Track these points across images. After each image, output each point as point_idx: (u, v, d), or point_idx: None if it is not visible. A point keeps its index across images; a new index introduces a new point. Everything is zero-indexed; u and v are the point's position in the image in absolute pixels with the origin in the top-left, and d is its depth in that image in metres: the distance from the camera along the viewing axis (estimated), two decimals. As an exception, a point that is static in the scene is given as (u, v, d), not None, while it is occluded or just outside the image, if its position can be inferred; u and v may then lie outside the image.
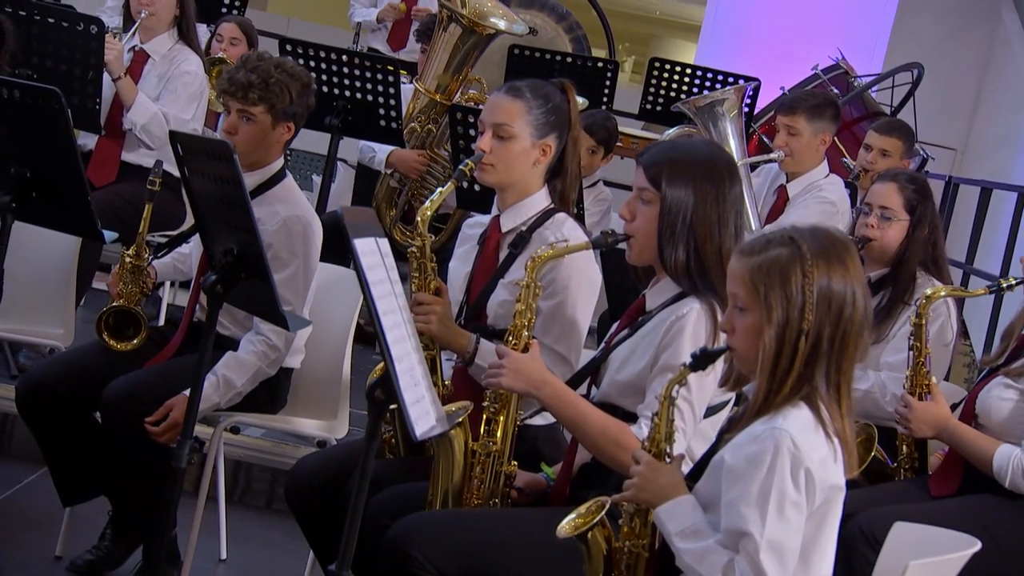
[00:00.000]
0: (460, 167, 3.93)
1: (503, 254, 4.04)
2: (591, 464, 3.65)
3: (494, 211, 4.11)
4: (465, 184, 4.53)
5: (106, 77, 5.90)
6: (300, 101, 4.49)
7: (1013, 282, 4.42)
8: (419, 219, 3.88)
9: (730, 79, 7.57)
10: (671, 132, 6.31)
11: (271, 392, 4.54)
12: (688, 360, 3.02)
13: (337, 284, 4.74)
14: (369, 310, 2.83)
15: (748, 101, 7.73)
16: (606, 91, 7.96)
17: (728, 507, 2.88)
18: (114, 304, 4.49)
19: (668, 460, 3.04)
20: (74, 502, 4.61)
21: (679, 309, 3.49)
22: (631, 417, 3.52)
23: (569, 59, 8.01)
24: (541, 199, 4.06)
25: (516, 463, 3.69)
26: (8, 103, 4.09)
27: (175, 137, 3.71)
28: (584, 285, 3.96)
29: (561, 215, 4.05)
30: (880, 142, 6.46)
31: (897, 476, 4.51)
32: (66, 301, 5.04)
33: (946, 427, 4.25)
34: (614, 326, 3.76)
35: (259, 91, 4.38)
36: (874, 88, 8.28)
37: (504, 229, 4.06)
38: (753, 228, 6.02)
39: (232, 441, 5.37)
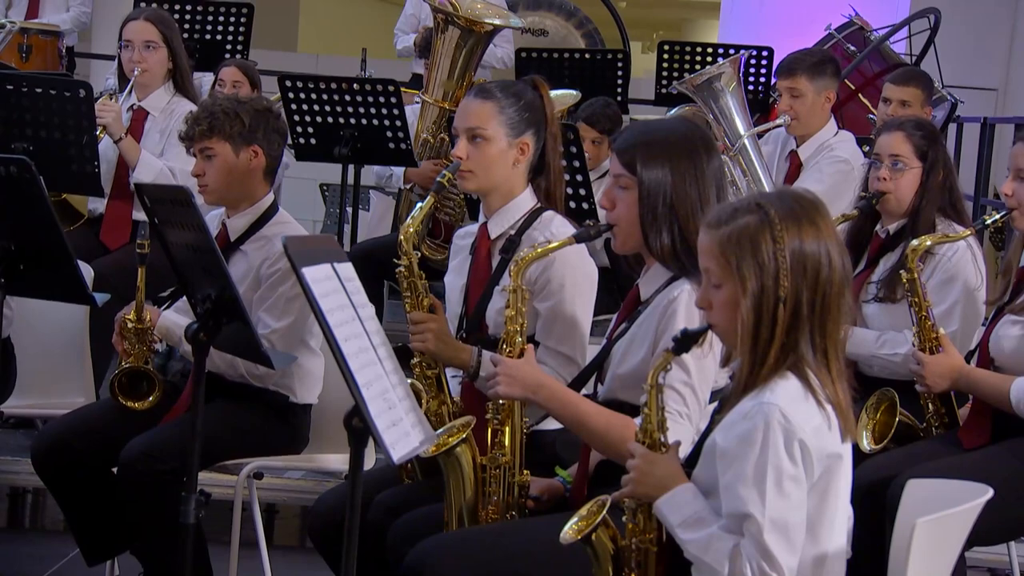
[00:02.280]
0: (437, 179, 3.84)
1: (495, 261, 3.95)
2: (608, 461, 3.52)
3: (481, 218, 4.01)
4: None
5: (109, 139, 5.88)
6: (258, 124, 4.40)
7: (996, 216, 4.26)
8: (402, 238, 3.80)
9: (742, 52, 7.40)
10: (673, 113, 6.17)
11: (292, 432, 4.47)
12: (670, 345, 2.90)
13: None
14: (327, 338, 2.73)
15: (764, 71, 7.60)
16: (619, 81, 7.84)
17: (726, 490, 2.77)
18: (124, 366, 4.43)
19: (664, 450, 2.92)
20: (97, 560, 4.54)
21: (671, 292, 3.38)
22: (637, 411, 3.40)
23: (577, 55, 7.92)
24: (527, 199, 3.96)
25: (528, 472, 3.59)
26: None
27: (139, 189, 3.65)
28: (579, 281, 3.86)
29: (549, 213, 3.95)
30: (898, 93, 6.33)
31: (929, 435, 4.36)
32: (83, 367, 5.01)
33: (960, 375, 4.15)
34: (613, 320, 3.64)
35: (206, 123, 4.34)
36: (893, 40, 8.09)
37: (493, 235, 3.96)
38: (770, 197, 5.86)
39: (266, 485, 5.28)
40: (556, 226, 3.89)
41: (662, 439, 2.93)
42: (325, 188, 9.40)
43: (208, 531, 4.37)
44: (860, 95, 7.60)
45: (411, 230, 3.79)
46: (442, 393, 3.88)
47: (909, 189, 4.61)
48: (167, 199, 3.57)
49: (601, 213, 3.74)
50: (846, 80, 7.69)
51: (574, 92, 6.79)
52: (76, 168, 5.58)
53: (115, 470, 4.37)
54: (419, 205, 3.82)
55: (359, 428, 2.83)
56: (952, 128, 8.88)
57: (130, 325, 4.42)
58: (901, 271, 4.33)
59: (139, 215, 6.01)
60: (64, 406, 4.87)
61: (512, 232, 3.92)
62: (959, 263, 4.53)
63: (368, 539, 3.75)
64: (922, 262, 4.39)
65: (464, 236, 4.12)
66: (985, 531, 4.05)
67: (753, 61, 7.75)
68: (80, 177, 5.58)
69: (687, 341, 2.89)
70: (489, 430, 3.56)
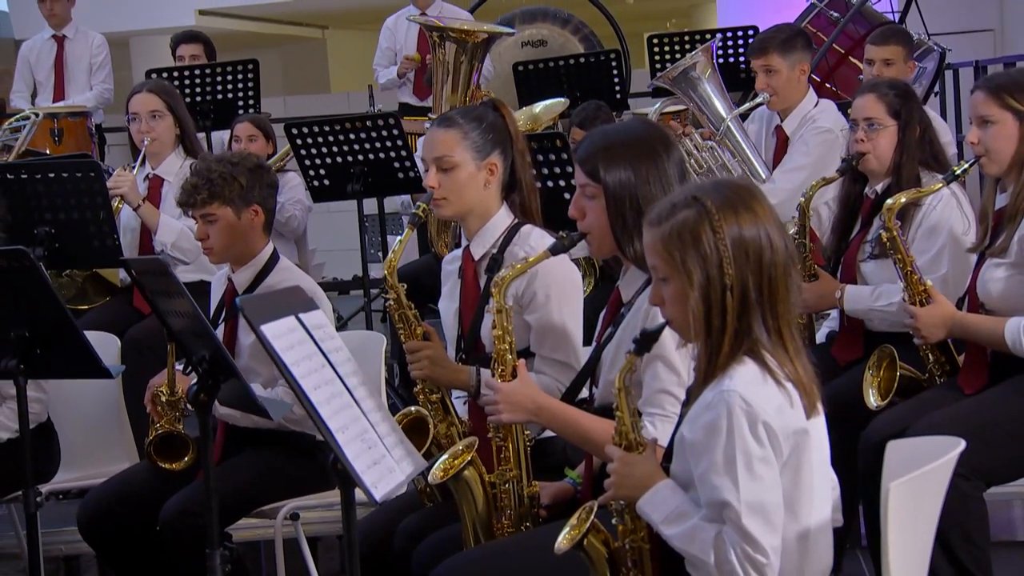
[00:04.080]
0: (413, 210, 3.80)
1: (483, 281, 3.89)
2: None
3: (463, 242, 3.96)
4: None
5: (128, 209, 5.89)
6: (254, 183, 4.36)
7: (966, 165, 4.18)
8: (385, 272, 3.76)
9: (713, 39, 7.31)
10: (655, 108, 6.09)
11: (321, 469, 4.42)
12: (631, 347, 2.83)
13: (361, 347, 4.62)
14: (293, 390, 2.69)
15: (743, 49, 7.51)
16: (616, 79, 7.77)
17: (701, 481, 2.71)
18: (158, 432, 4.41)
19: (641, 450, 2.86)
20: None
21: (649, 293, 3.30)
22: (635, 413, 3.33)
23: (572, 60, 7.83)
24: (503, 217, 3.92)
25: (537, 483, 3.53)
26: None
27: (125, 265, 3.63)
28: (564, 289, 3.81)
29: (527, 227, 3.90)
30: (879, 53, 6.23)
31: (932, 384, 4.29)
32: (123, 432, 5.01)
33: (954, 323, 4.09)
34: (599, 325, 3.58)
35: (206, 191, 4.29)
36: (875, 1, 7.93)
37: (476, 256, 3.92)
38: (763, 176, 5.78)
39: (306, 520, 5.23)
40: (534, 239, 3.84)
41: (636, 439, 2.86)
42: (366, 219, 9.39)
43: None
44: (850, 57, 7.45)
45: (394, 263, 3.75)
46: (449, 416, 3.84)
47: (888, 148, 4.56)
48: (148, 270, 3.54)
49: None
50: (834, 45, 7.57)
51: (563, 99, 6.72)
52: (97, 244, 5.58)
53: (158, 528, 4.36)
54: (398, 239, 3.77)
55: (342, 471, 2.79)
56: (949, 75, 8.73)
57: (163, 398, 4.41)
58: (881, 231, 4.27)
59: (167, 279, 6.01)
60: (110, 473, 4.86)
61: (494, 251, 3.88)
62: (943, 210, 4.47)
63: (396, 568, 3.73)
64: (901, 218, 4.33)
65: (451, 261, 4.08)
66: (1004, 468, 4.00)
67: (740, 40, 7.66)
68: (102, 251, 5.58)
69: (647, 341, 2.83)
70: (494, 447, 3.51)
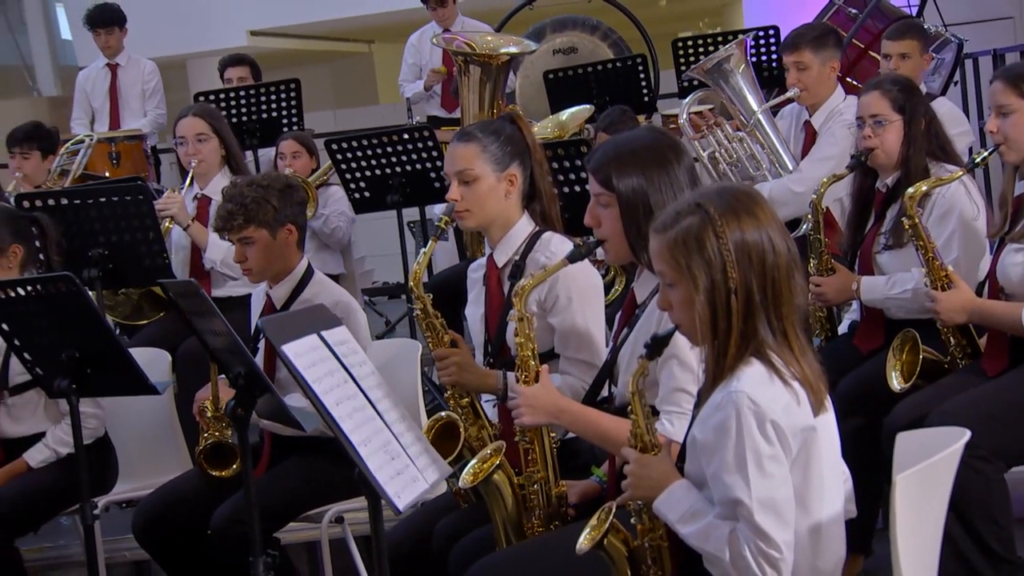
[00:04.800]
0: (436, 223, 3.78)
1: (506, 287, 3.86)
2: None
3: (487, 250, 3.94)
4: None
5: (178, 228, 5.91)
6: (286, 203, 4.35)
7: (985, 153, 4.13)
8: (411, 284, 3.74)
9: (747, 34, 7.22)
10: (688, 100, 6.03)
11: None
12: (643, 352, 2.80)
13: (396, 356, 4.62)
14: (315, 407, 2.67)
15: (774, 47, 7.42)
16: (643, 83, 7.72)
17: (713, 480, 2.67)
18: (208, 441, 4.42)
19: (655, 451, 2.82)
20: None
21: None
22: (653, 411, 3.29)
23: (600, 66, 7.77)
24: (525, 226, 3.89)
25: (564, 483, 3.50)
26: (38, 299, 4.08)
27: (163, 287, 3.62)
28: (584, 292, 3.78)
29: (547, 234, 3.87)
30: (896, 47, 6.19)
31: (955, 367, 4.24)
32: (176, 442, 5.01)
33: (973, 307, 4.07)
34: (615, 326, 3.54)
35: (241, 216, 4.28)
36: (890, -5, 7.83)
37: (500, 264, 3.90)
38: (791, 167, 5.72)
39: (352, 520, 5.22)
40: (555, 245, 3.82)
41: (651, 440, 2.83)
42: (411, 225, 9.39)
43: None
44: (870, 52, 7.34)
45: (419, 275, 3.73)
46: (479, 419, 3.81)
47: (895, 142, 4.53)
48: (184, 292, 3.53)
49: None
50: (854, 40, 7.48)
51: (588, 106, 6.67)
52: (148, 263, 5.59)
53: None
54: (423, 251, 3.76)
55: (367, 482, 2.77)
56: (969, 64, 8.60)
57: (208, 413, 4.42)
58: (903, 219, 4.24)
59: (218, 292, 6.02)
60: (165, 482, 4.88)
61: (516, 258, 3.86)
62: (953, 197, 4.42)
63: (434, 568, 3.71)
64: (920, 207, 4.28)
65: (476, 269, 4.05)
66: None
67: (763, 40, 7.58)
68: (153, 270, 5.59)
69: (657, 345, 2.81)
70: (521, 450, 3.48)
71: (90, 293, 5.51)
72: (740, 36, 6.95)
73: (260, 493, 4.21)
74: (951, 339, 4.25)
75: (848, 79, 7.37)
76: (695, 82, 7.41)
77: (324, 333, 2.84)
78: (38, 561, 5.46)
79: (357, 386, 2.83)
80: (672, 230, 2.72)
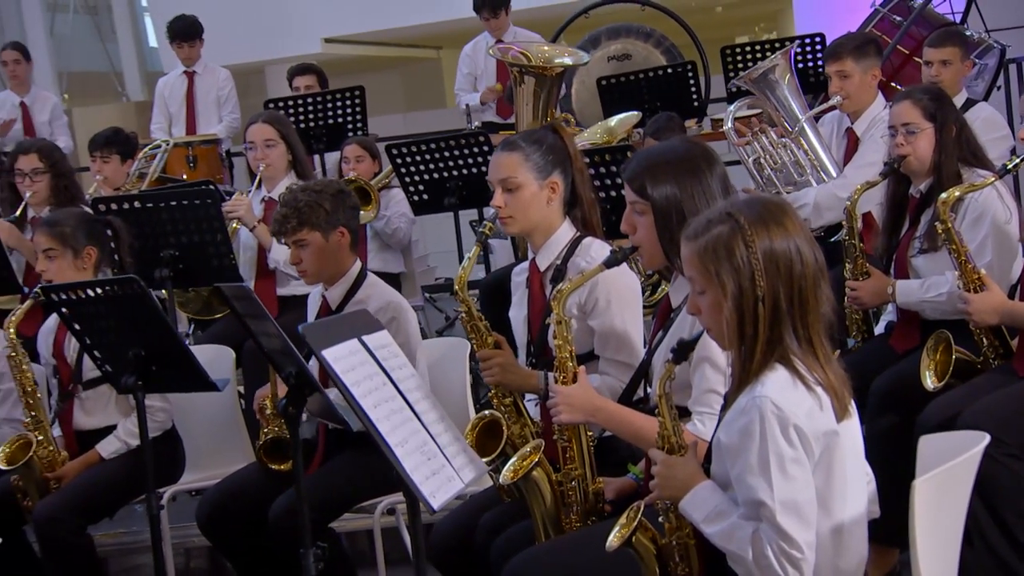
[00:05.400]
0: (480, 229, 3.76)
1: (548, 290, 3.83)
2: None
3: (530, 255, 3.91)
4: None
5: (245, 230, 5.93)
6: (338, 207, 4.35)
7: (1017, 160, 4.06)
8: (456, 287, 3.71)
9: (792, 44, 7.14)
10: (733, 107, 5.96)
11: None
12: (670, 356, 2.76)
13: (445, 356, 4.61)
14: (353, 410, 2.65)
15: (820, 55, 7.32)
16: (692, 88, 7.65)
17: (738, 482, 2.63)
18: (268, 437, 4.42)
19: (682, 452, 2.79)
20: None
21: None
22: (685, 413, 3.26)
23: (651, 73, 7.71)
24: (566, 231, 3.86)
25: (601, 480, 3.46)
26: (106, 300, 4.11)
27: (219, 290, 3.62)
28: (623, 295, 3.74)
29: (587, 240, 3.84)
30: (937, 54, 6.11)
31: (987, 367, 4.17)
32: (240, 434, 5.02)
33: (1004, 309, 4.02)
34: (651, 329, 3.50)
35: (295, 219, 4.28)
36: (937, 4, 7.69)
37: (542, 268, 3.87)
38: (833, 173, 5.64)
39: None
40: (595, 250, 3.79)
41: (677, 442, 2.79)
42: (474, 224, 9.37)
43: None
44: (914, 58, 7.23)
45: (464, 279, 3.71)
46: (522, 417, 3.77)
47: (926, 149, 4.45)
48: (238, 296, 3.53)
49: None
50: (899, 46, 7.38)
51: (636, 113, 6.60)
52: (216, 263, 5.62)
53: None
54: (468, 256, 3.73)
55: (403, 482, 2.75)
56: (1013, 69, 8.44)
57: (268, 410, 4.42)
58: (936, 223, 4.17)
59: (283, 291, 6.03)
60: (229, 473, 4.89)
61: (558, 262, 3.83)
62: (985, 202, 4.34)
63: (478, 559, 3.68)
64: (954, 211, 4.20)
65: (520, 272, 4.02)
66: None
67: (808, 47, 7.48)
68: (220, 270, 5.61)
69: (684, 350, 2.78)
70: (559, 448, 3.45)
71: (162, 291, 5.61)
72: (786, 46, 6.88)
73: (315, 486, 4.24)
74: (984, 340, 4.19)
75: (893, 84, 7.28)
76: (732, 87, 7.36)
77: (365, 337, 2.83)
78: (113, 545, 5.51)
79: (396, 388, 2.80)
80: (703, 238, 2.68)
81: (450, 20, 14.80)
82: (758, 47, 7.65)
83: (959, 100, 6.02)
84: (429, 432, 2.82)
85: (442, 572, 3.87)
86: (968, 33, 7.08)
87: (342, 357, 2.71)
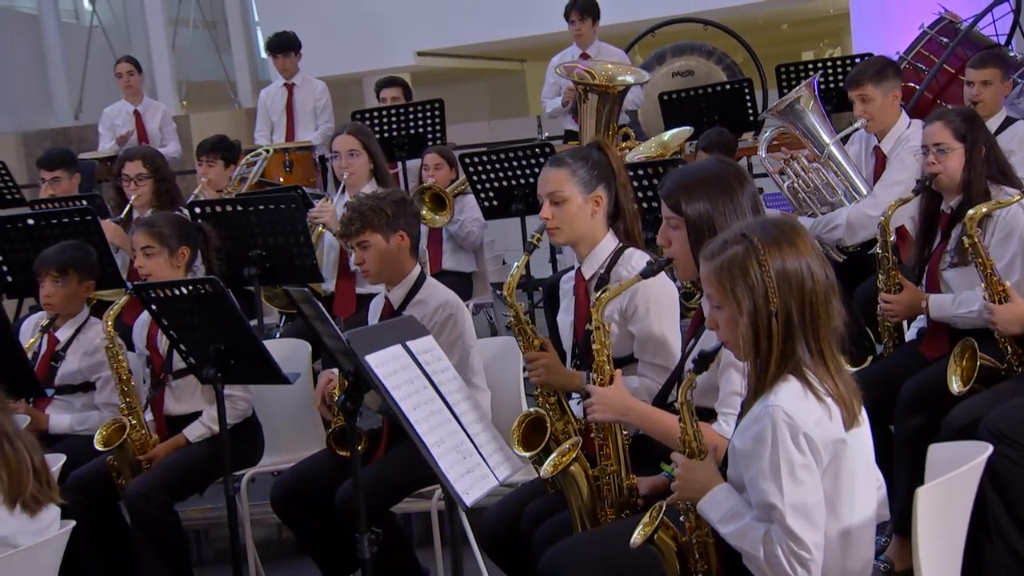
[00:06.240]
0: (529, 240, 3.74)
1: (592, 298, 3.78)
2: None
3: (576, 264, 3.88)
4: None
5: (328, 236, 5.97)
6: (399, 212, 4.34)
7: None
8: (505, 293, 3.69)
9: (849, 61, 7.03)
10: (764, 137, 5.85)
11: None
12: (691, 366, 2.72)
13: (500, 354, 4.60)
14: (395, 413, 2.64)
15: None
16: (748, 104, 7.56)
17: (751, 485, 2.60)
18: (336, 426, 4.43)
19: (702, 456, 2.74)
20: None
21: None
22: (714, 415, 3.21)
23: (710, 89, 7.64)
24: (609, 242, 3.83)
25: (635, 476, 3.42)
26: (190, 298, 4.14)
27: (287, 294, 3.63)
28: (661, 303, 3.69)
29: (629, 250, 3.80)
30: (978, 75, 5.98)
31: (1011, 373, 4.09)
32: (315, 424, 5.02)
33: None
34: (684, 337, 3.46)
35: (358, 222, 4.30)
36: (983, 26, 7.52)
37: (587, 276, 3.83)
38: (864, 192, 5.53)
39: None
40: (636, 260, 3.75)
41: (697, 447, 2.75)
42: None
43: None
44: (960, 76, 7.07)
45: (513, 285, 3.68)
46: (565, 415, 3.74)
47: (957, 167, 4.36)
48: (302, 300, 3.54)
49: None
50: (945, 65, 7.23)
51: (688, 128, 6.53)
52: (299, 263, 5.67)
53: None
54: (516, 264, 3.71)
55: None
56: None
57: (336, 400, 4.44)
58: (963, 238, 4.08)
59: (361, 289, 6.05)
60: (304, 457, 4.92)
61: (602, 271, 3.79)
62: (1013, 220, 4.24)
63: (523, 546, 3.66)
64: (981, 227, 4.11)
65: (567, 280, 3.99)
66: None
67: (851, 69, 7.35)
68: (303, 269, 5.66)
69: (704, 361, 2.74)
70: (596, 445, 3.42)
71: (251, 288, 5.66)
72: (819, 68, 6.79)
73: (378, 472, 4.25)
74: (1008, 348, 4.11)
75: (939, 101, 7.14)
76: (761, 119, 7.27)
77: (409, 343, 2.81)
78: (201, 520, 5.56)
79: (436, 391, 2.79)
80: (719, 257, 2.65)
81: (534, 35, 14.79)
82: (809, 65, 7.55)
83: (999, 118, 5.91)
84: (467, 432, 2.81)
85: (490, 555, 3.86)
86: (1012, 54, 6.91)
87: (385, 362, 2.71)
